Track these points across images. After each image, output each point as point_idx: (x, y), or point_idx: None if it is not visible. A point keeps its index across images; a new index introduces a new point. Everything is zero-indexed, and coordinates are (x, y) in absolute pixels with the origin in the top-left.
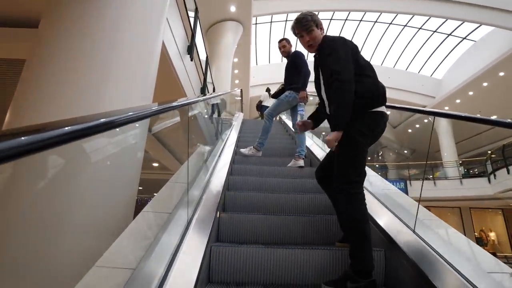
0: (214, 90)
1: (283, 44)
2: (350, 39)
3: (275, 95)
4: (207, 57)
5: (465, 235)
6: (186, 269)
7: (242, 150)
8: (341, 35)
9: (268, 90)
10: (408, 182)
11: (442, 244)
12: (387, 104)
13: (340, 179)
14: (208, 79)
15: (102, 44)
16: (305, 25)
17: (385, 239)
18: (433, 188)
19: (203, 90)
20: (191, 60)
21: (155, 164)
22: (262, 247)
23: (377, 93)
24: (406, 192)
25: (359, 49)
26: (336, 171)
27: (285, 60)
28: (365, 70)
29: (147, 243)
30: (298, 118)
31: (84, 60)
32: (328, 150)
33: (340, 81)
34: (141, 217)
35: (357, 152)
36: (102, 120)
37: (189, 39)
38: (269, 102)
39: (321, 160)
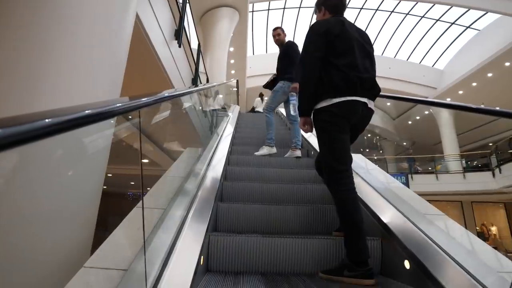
0: (207, 81)
1: (278, 33)
2: (341, 19)
3: (267, 85)
4: (199, 44)
5: (466, 228)
6: (186, 257)
7: (256, 153)
8: (335, 16)
9: (261, 95)
10: (409, 176)
11: (441, 234)
12: (385, 94)
13: (326, 170)
14: (201, 69)
15: (42, 17)
16: (315, 9)
17: (381, 227)
18: (436, 182)
19: (195, 81)
20: (180, 46)
21: (145, 160)
22: (260, 236)
23: (341, 83)
24: (408, 186)
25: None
26: (323, 165)
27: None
28: (337, 59)
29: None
30: (291, 108)
31: (17, 39)
32: None
33: (303, 72)
34: (134, 213)
35: (330, 141)
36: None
37: (177, 22)
38: (262, 108)
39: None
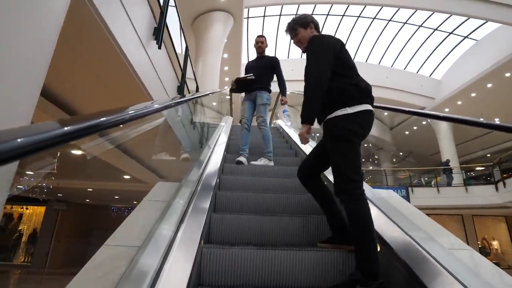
0: (197, 89)
1: (262, 40)
2: (336, 36)
3: (241, 84)
4: (186, 47)
5: (467, 243)
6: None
7: (253, 162)
8: (330, 34)
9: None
10: (410, 189)
11: (437, 247)
12: (381, 105)
13: (341, 181)
14: (190, 75)
15: None
16: (290, 29)
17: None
18: (437, 195)
19: (181, 89)
20: (159, 48)
21: (127, 177)
22: (254, 249)
23: (355, 92)
24: (408, 200)
25: (356, 46)
26: (335, 175)
27: (279, 57)
28: (344, 69)
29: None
30: (284, 119)
31: None
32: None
33: (311, 78)
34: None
35: (349, 150)
36: None
37: (157, 19)
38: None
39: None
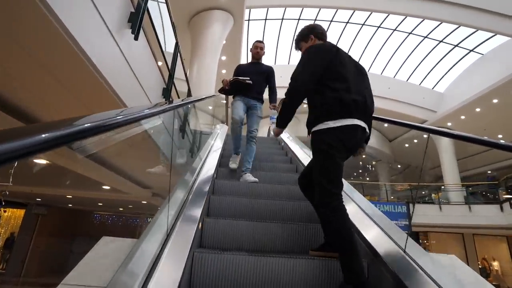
0: (189, 92)
1: (262, 47)
2: (335, 45)
3: (236, 86)
4: (176, 42)
5: (468, 264)
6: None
7: (249, 178)
8: (332, 41)
9: None
10: (411, 205)
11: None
12: (380, 117)
13: (319, 192)
14: (180, 76)
15: None
16: (296, 44)
17: (369, 251)
18: (439, 213)
19: (167, 93)
20: (136, 39)
21: (106, 187)
22: (246, 255)
23: (336, 107)
24: (409, 218)
25: (359, 55)
26: (316, 186)
27: (279, 62)
28: (332, 82)
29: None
30: (271, 125)
31: None
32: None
33: (291, 86)
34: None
35: (326, 163)
36: None
37: (135, 2)
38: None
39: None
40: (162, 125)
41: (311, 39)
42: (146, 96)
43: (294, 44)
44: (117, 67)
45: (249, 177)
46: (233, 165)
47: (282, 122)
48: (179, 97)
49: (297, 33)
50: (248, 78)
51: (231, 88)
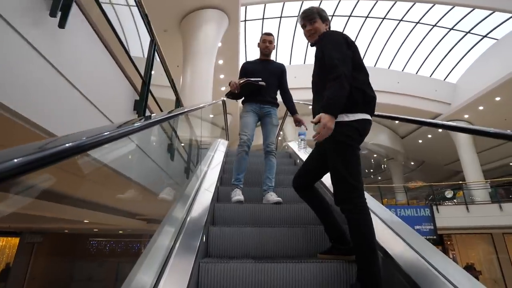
0: (178, 102)
1: (271, 40)
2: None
3: (247, 90)
4: (152, 40)
5: (500, 267)
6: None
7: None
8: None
9: None
10: (435, 207)
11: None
12: (384, 114)
13: (343, 189)
14: (162, 82)
15: None
16: (309, 15)
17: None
18: (466, 215)
19: (140, 106)
20: (62, 26)
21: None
22: (253, 262)
23: (360, 99)
24: (434, 221)
25: (364, 50)
26: (336, 183)
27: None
28: (355, 71)
29: None
30: (302, 143)
31: None
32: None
33: (340, 68)
34: None
35: (350, 156)
36: None
37: None
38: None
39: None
40: (137, 149)
41: (326, 23)
42: (102, 115)
43: (308, 13)
44: (29, 77)
45: (272, 196)
46: (237, 197)
47: (337, 105)
48: (161, 110)
49: (314, 7)
50: (261, 79)
51: (241, 92)
